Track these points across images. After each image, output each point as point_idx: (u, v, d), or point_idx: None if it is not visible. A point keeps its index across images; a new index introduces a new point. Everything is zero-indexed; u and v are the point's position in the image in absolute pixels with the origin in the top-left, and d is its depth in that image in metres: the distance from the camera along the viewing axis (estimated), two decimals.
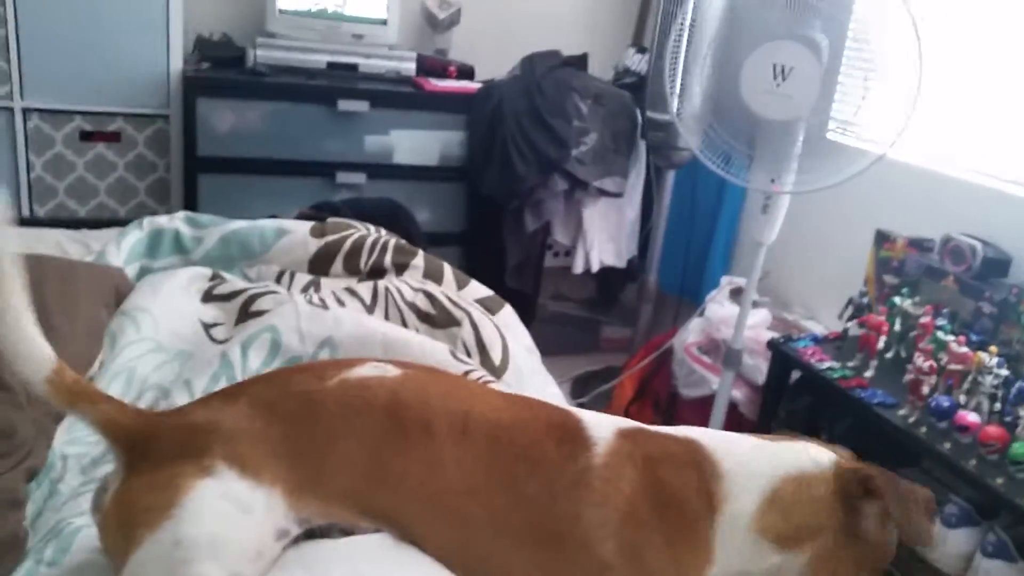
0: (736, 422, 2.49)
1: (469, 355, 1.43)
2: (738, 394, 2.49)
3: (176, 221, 1.67)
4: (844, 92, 2.23)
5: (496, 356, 1.44)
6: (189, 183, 2.71)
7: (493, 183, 2.87)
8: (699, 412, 2.56)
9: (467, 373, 1.34)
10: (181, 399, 1.22)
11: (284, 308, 1.42)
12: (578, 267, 3.03)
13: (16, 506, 0.98)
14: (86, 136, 2.69)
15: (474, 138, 2.96)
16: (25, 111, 2.61)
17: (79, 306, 1.27)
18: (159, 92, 2.72)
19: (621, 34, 3.52)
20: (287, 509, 0.86)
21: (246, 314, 1.46)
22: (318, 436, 0.90)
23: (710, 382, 2.56)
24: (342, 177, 2.90)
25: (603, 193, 2.98)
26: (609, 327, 3.42)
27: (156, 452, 0.85)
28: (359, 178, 2.91)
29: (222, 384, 1.27)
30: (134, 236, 1.62)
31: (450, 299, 1.53)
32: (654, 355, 2.75)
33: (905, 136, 2.04)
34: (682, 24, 2.36)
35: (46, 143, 2.66)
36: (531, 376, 1.48)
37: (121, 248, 1.58)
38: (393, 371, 0.98)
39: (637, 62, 3.28)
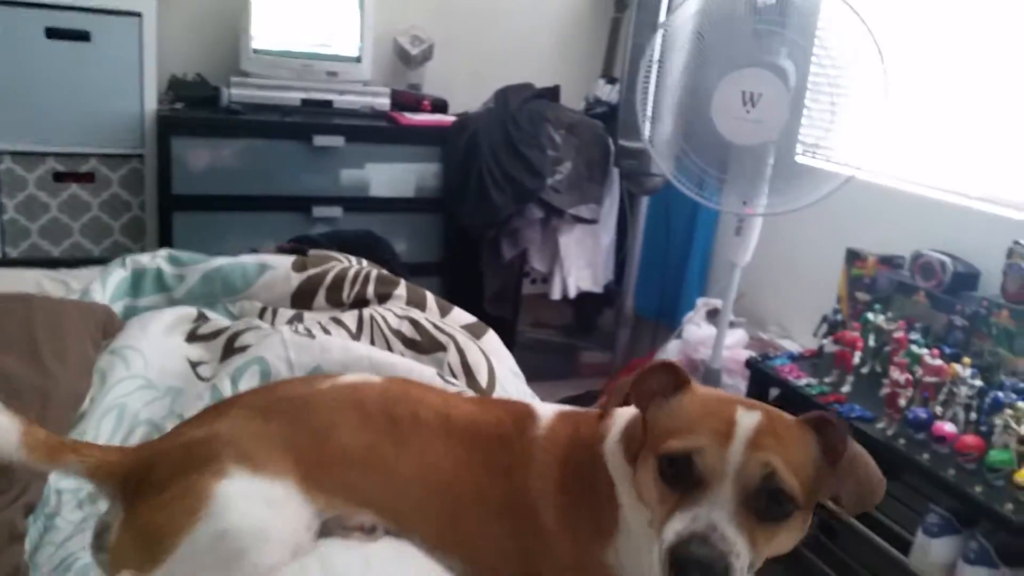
0: None
1: (456, 378, 1.45)
2: None
3: (158, 259, 1.67)
4: (811, 116, 2.30)
5: (483, 379, 1.45)
6: (164, 221, 2.71)
7: (470, 214, 2.90)
8: None
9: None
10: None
11: (271, 339, 1.43)
12: (555, 293, 3.06)
13: (17, 540, 0.98)
14: (59, 177, 2.68)
15: (450, 170, 2.99)
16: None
17: (68, 344, 1.27)
18: (133, 132, 2.72)
19: (591, 65, 3.59)
20: (303, 500, 0.88)
21: (231, 350, 1.46)
22: (316, 431, 0.93)
23: None
24: (319, 211, 2.91)
25: (578, 220, 3.02)
26: (588, 352, 3.44)
27: (157, 477, 0.85)
28: (336, 211, 2.93)
29: None
30: (118, 275, 1.62)
31: (435, 325, 1.54)
32: (636, 373, 2.76)
33: (873, 156, 2.10)
34: (651, 56, 2.42)
35: (19, 185, 2.64)
36: (518, 398, 1.49)
37: (106, 287, 1.58)
38: (377, 378, 1.07)
39: (607, 92, 3.35)
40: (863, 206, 2.56)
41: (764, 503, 0.79)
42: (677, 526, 0.77)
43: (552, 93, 3.15)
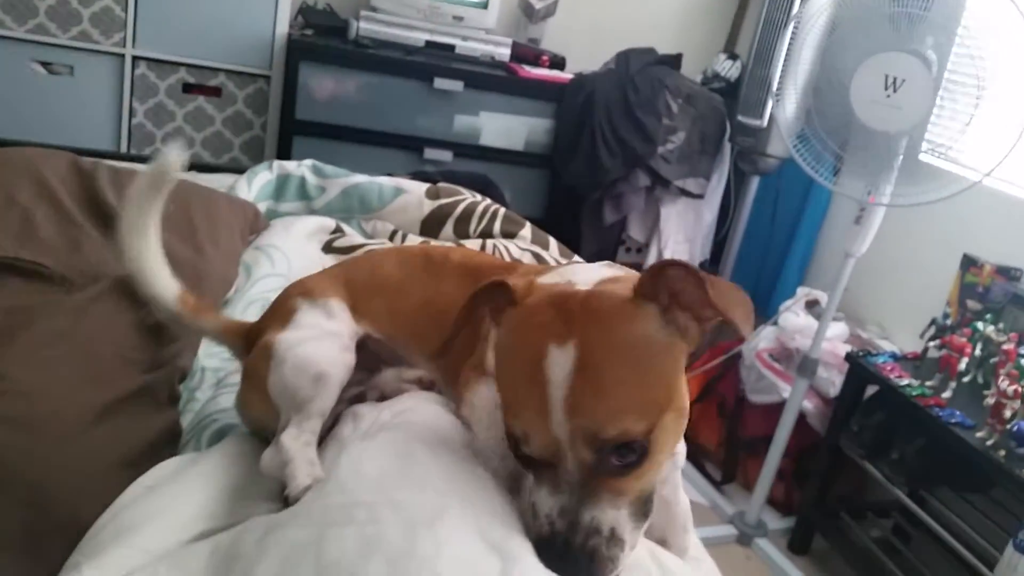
0: (804, 433, 2.49)
1: None
2: (808, 404, 2.48)
3: (303, 168, 1.72)
4: (941, 114, 2.21)
5: None
6: (283, 144, 2.77)
7: (577, 173, 2.89)
8: (766, 418, 2.56)
9: None
10: None
11: None
12: (650, 263, 3.04)
13: (174, 402, 1.04)
14: (188, 88, 2.76)
15: (562, 127, 2.98)
16: (134, 59, 2.68)
17: (221, 232, 1.32)
18: (262, 53, 2.78)
19: (712, 39, 3.53)
20: (349, 318, 0.99)
21: None
22: (364, 267, 1.09)
23: (780, 389, 2.56)
24: (429, 153, 2.94)
25: (684, 193, 2.99)
26: None
27: (260, 330, 0.99)
28: (446, 155, 2.95)
29: None
30: (263, 177, 1.67)
31: (557, 263, 1.55)
32: (723, 358, 2.75)
33: (1008, 163, 2.03)
34: (792, 31, 2.37)
35: (150, 91, 2.73)
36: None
37: (252, 186, 1.63)
38: None
39: (727, 68, 3.29)
40: (984, 212, 2.47)
41: (613, 460, 0.69)
42: (544, 509, 0.71)
43: (674, 61, 3.11)
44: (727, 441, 2.70)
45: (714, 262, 3.21)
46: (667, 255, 3.03)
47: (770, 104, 2.89)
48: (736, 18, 3.51)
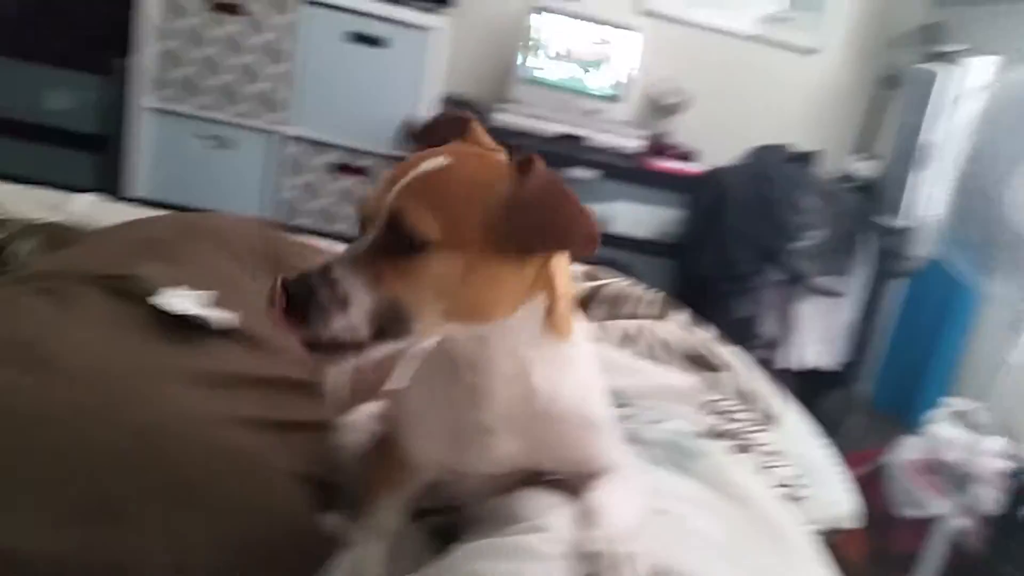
0: (957, 551, 2.30)
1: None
2: (962, 522, 2.30)
3: None
4: None
5: (765, 407, 1.38)
6: None
7: (709, 263, 2.86)
8: (916, 532, 2.39)
9: (706, 404, 1.27)
10: None
11: None
12: (786, 361, 2.94)
13: None
14: (337, 168, 2.89)
15: (694, 218, 2.97)
16: (291, 138, 2.84)
17: None
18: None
19: (842, 139, 3.50)
20: None
21: None
22: None
23: (929, 504, 2.39)
24: None
25: (820, 291, 2.91)
26: None
27: None
28: None
29: None
30: None
31: (712, 350, 1.51)
32: (868, 467, 2.60)
33: None
34: (929, 136, 2.32)
35: (301, 169, 2.87)
36: (804, 438, 1.42)
37: None
38: None
39: (861, 168, 3.23)
40: None
41: (391, 239, 0.73)
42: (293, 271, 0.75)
43: (809, 158, 3.07)
44: (876, 557, 2.52)
45: (853, 364, 3.08)
46: (803, 353, 2.93)
47: (913, 205, 2.82)
48: (868, 117, 3.47)
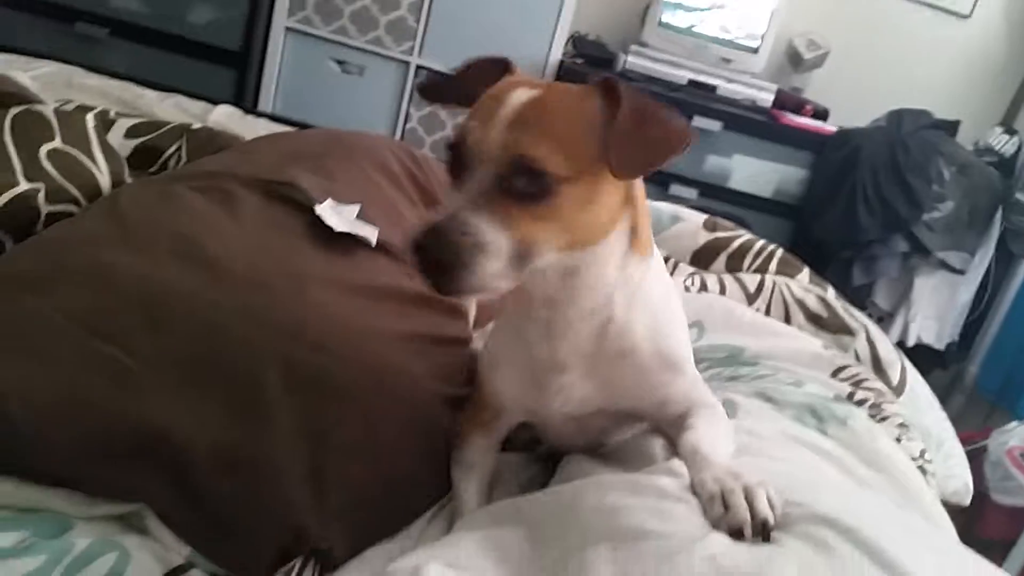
0: None
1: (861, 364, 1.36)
2: None
3: None
4: None
5: (894, 376, 1.36)
6: None
7: (831, 227, 2.78)
8: (1009, 519, 2.32)
9: (840, 368, 1.25)
10: None
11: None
12: (894, 336, 2.85)
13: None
14: None
15: (820, 179, 2.88)
16: (418, 68, 2.88)
17: None
18: (534, 75, 2.89)
19: (988, 111, 3.30)
20: None
21: None
22: None
23: None
24: (675, 189, 2.93)
25: (943, 266, 2.79)
26: None
27: None
28: (691, 193, 2.93)
29: None
30: None
31: (845, 308, 1.48)
32: (966, 450, 2.52)
33: None
34: None
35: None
36: (927, 409, 1.39)
37: None
38: None
39: (1003, 142, 3.05)
40: None
41: (520, 182, 0.71)
42: (444, 206, 0.73)
43: (951, 127, 2.92)
44: (962, 539, 2.46)
45: (964, 345, 2.97)
46: (914, 329, 2.84)
47: None
48: (1019, 92, 3.26)
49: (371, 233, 1.06)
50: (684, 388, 0.88)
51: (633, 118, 0.73)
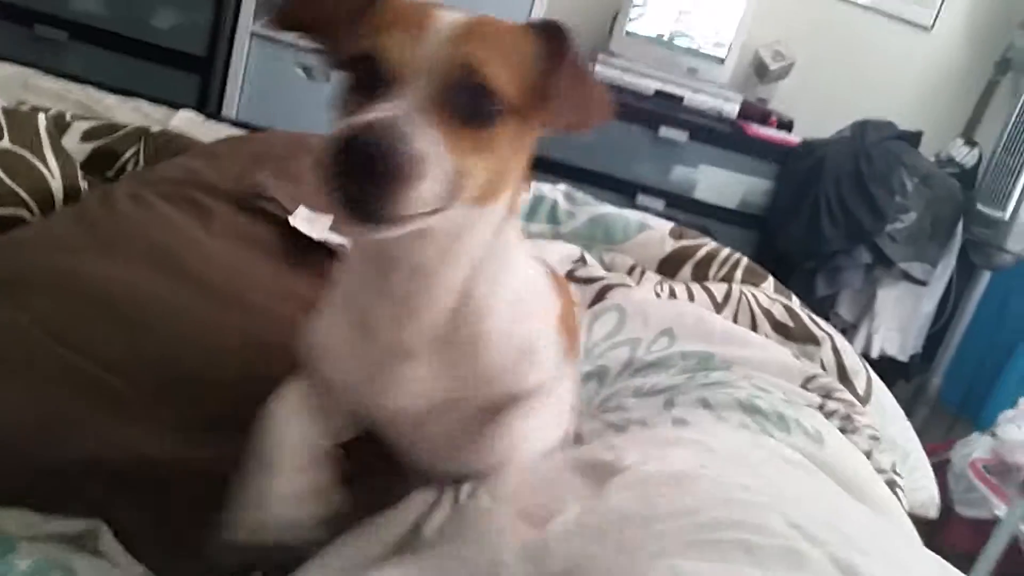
0: (1015, 558, 2.25)
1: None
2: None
3: (557, 192, 1.76)
4: None
5: (860, 385, 1.36)
6: None
7: (795, 238, 2.80)
8: (973, 532, 2.34)
9: (810, 379, 1.25)
10: None
11: (633, 292, 1.46)
12: (858, 348, 2.88)
13: None
14: None
15: (784, 190, 2.91)
16: None
17: None
18: None
19: (949, 123, 3.35)
20: None
21: (599, 300, 1.49)
22: None
23: (992, 505, 2.34)
24: (642, 199, 2.94)
25: (907, 277, 2.82)
26: None
27: None
28: (658, 204, 2.94)
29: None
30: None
31: (810, 318, 1.48)
32: (930, 461, 2.54)
33: None
34: None
35: None
36: (893, 420, 1.39)
37: None
38: None
39: (963, 154, 3.11)
40: None
41: (465, 100, 0.61)
42: (352, 120, 0.59)
43: (913, 139, 2.96)
44: None
45: (927, 357, 3.00)
46: (877, 340, 2.87)
47: (1015, 196, 2.71)
48: (979, 103, 3.32)
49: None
50: (539, 382, 0.79)
51: (578, 71, 0.69)
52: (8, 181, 1.15)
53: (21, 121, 1.24)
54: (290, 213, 1.02)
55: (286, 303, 0.92)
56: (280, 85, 2.86)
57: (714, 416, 1.00)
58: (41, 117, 1.29)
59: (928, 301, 2.93)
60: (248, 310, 0.90)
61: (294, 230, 1.00)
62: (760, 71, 3.21)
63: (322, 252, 1.01)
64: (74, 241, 0.95)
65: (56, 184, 1.22)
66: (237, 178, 1.09)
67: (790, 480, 0.85)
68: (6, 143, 1.18)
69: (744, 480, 0.73)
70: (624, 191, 2.93)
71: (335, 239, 1.02)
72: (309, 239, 0.99)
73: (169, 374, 0.83)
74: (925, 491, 1.40)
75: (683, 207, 2.95)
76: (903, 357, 2.94)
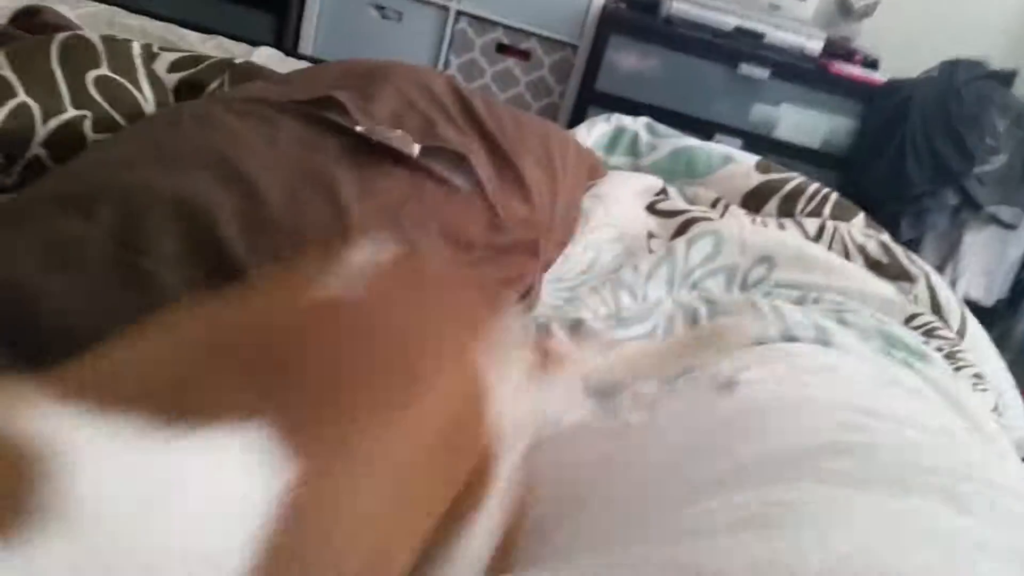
0: None
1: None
2: None
3: (639, 124, 1.72)
4: None
5: (954, 321, 1.31)
6: (577, 113, 2.81)
7: (879, 180, 2.71)
8: None
9: (912, 316, 1.21)
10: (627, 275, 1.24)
11: (728, 219, 1.42)
12: None
13: None
14: (501, 48, 2.87)
15: (869, 131, 2.81)
16: (458, 13, 2.83)
17: (569, 172, 1.35)
18: (575, 23, 2.83)
19: None
20: None
21: (682, 232, 1.46)
22: None
23: None
24: (719, 139, 2.85)
25: (995, 221, 2.71)
26: None
27: None
28: (735, 143, 2.85)
29: (663, 270, 1.27)
30: (602, 127, 1.68)
31: (906, 254, 1.43)
32: None
33: None
34: None
35: (466, 47, 2.87)
36: (987, 359, 1.35)
37: (591, 134, 1.65)
38: None
39: None
40: None
41: None
42: None
43: (1007, 78, 2.82)
44: None
45: (1013, 303, 2.90)
46: (962, 284, 2.77)
47: None
48: None
49: (412, 147, 1.04)
50: None
51: None
52: (108, 108, 1.17)
53: (118, 49, 1.26)
54: (358, 124, 1.02)
55: (351, 208, 0.93)
56: (354, 24, 2.87)
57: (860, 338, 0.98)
58: (135, 45, 1.32)
59: (1016, 246, 2.82)
60: (309, 214, 0.91)
61: (361, 137, 1.00)
62: (844, 9, 3.08)
63: (388, 158, 1.01)
64: (141, 157, 0.96)
65: (149, 109, 1.25)
66: (306, 93, 1.09)
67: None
68: (105, 70, 1.21)
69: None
70: (701, 130, 2.84)
71: (403, 145, 1.02)
72: (377, 146, 1.00)
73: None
74: (1019, 430, 1.35)
75: (762, 147, 2.86)
76: (988, 302, 2.84)
